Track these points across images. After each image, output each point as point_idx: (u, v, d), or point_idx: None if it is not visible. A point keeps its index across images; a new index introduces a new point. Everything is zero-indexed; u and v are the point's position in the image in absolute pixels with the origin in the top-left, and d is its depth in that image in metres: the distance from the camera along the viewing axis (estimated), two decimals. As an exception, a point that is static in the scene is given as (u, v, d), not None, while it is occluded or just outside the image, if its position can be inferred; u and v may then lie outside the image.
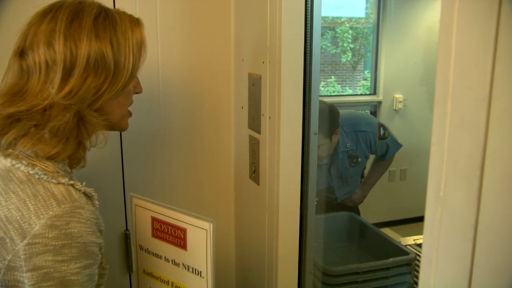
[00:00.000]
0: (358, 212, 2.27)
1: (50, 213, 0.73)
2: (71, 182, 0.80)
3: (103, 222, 0.84)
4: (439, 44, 0.54)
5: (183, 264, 1.05)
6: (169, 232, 1.06)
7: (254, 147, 1.34)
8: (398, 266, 1.46)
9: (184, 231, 1.03)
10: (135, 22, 0.90)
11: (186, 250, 1.04)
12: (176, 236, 1.05)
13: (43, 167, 0.79)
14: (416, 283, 1.50)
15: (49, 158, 0.80)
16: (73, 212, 0.75)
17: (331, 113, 1.93)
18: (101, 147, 0.91)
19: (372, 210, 2.53)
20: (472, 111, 0.51)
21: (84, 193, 0.82)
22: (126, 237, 1.47)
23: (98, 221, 0.81)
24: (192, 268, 1.04)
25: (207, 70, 1.48)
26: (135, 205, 1.12)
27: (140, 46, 0.88)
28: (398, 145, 2.17)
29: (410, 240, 1.82)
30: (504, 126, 0.48)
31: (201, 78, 1.48)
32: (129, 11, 1.33)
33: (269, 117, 1.21)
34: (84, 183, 0.83)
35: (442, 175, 0.55)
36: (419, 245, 1.74)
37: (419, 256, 1.53)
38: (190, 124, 1.50)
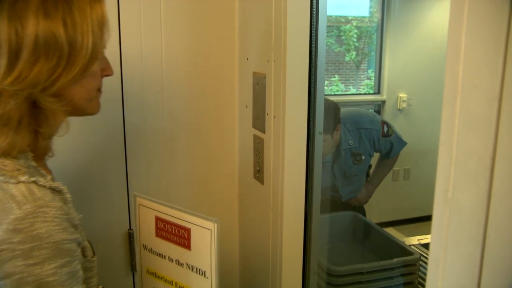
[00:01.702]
0: (363, 212, 2.25)
1: (11, 217, 0.69)
2: (33, 179, 0.74)
3: (76, 215, 0.80)
4: (448, 42, 0.53)
5: (187, 264, 1.05)
6: (173, 231, 1.05)
7: (259, 146, 1.33)
8: (402, 266, 1.46)
9: (188, 231, 1.03)
10: None
11: (190, 250, 1.03)
12: (180, 236, 1.04)
13: (1, 167, 0.74)
14: (421, 284, 1.49)
15: (5, 153, 0.75)
16: (37, 212, 0.71)
17: (331, 109, 1.91)
18: (62, 134, 0.86)
19: (376, 209, 2.52)
20: (482, 111, 0.50)
21: (51, 188, 0.76)
22: (129, 237, 1.47)
23: (69, 216, 0.76)
24: (196, 268, 1.03)
25: (211, 69, 1.48)
26: (139, 204, 1.12)
27: (102, 23, 0.80)
28: (402, 143, 2.15)
29: (414, 240, 1.82)
30: (515, 126, 0.47)
31: (205, 77, 1.48)
32: (133, 9, 1.34)
33: (274, 116, 1.21)
34: (49, 177, 0.78)
35: (451, 176, 0.55)
36: (424, 245, 1.73)
37: (424, 256, 1.52)
38: (194, 124, 1.50)
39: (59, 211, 0.73)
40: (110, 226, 1.45)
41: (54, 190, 0.76)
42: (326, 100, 1.92)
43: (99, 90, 0.89)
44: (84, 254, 0.82)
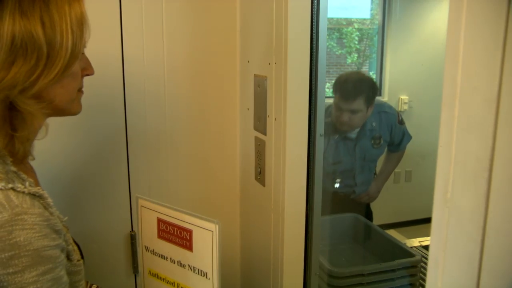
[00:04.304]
0: (371, 213, 2.29)
1: None
2: (10, 185, 0.71)
3: (61, 220, 0.79)
4: (447, 44, 0.54)
5: (188, 265, 1.05)
6: (175, 233, 1.06)
7: (260, 148, 1.33)
8: (403, 268, 1.46)
9: (190, 232, 1.03)
10: None
11: (192, 252, 1.04)
12: (182, 238, 1.05)
13: None
14: (422, 286, 1.49)
15: None
16: (14, 220, 0.69)
17: (372, 85, 2.00)
18: (40, 138, 0.83)
19: (377, 211, 2.52)
20: (480, 112, 0.50)
21: (31, 194, 0.73)
22: (131, 238, 1.48)
23: (50, 222, 0.74)
24: (198, 270, 1.04)
25: (212, 72, 1.48)
26: (141, 206, 1.12)
27: (81, 22, 0.78)
28: (409, 136, 2.23)
29: (415, 242, 1.81)
30: (513, 127, 0.48)
31: (207, 79, 1.48)
32: (135, 12, 1.35)
33: (275, 119, 1.21)
34: (27, 183, 0.75)
35: (450, 177, 0.55)
36: (425, 247, 1.73)
37: (425, 258, 1.52)
38: (195, 126, 1.50)
39: (38, 217, 0.71)
40: (112, 228, 1.46)
41: (34, 196, 0.74)
42: (366, 76, 2.14)
43: (80, 91, 0.86)
44: (69, 258, 0.80)
